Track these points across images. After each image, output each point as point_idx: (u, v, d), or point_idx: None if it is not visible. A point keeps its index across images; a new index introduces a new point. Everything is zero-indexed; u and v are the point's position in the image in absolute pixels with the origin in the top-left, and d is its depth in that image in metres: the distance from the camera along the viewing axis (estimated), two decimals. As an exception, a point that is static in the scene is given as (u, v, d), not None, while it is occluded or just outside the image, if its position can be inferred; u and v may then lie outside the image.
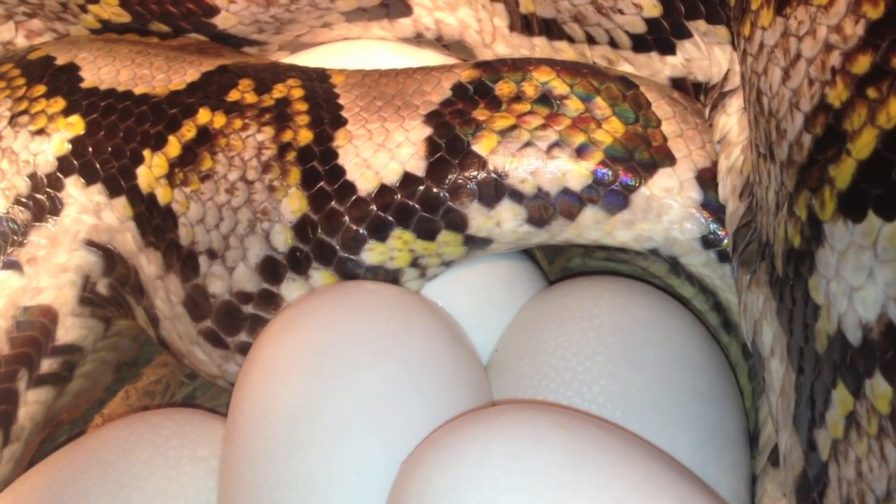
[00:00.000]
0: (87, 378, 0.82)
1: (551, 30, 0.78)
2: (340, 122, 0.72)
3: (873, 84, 0.48)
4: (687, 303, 0.75)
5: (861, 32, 0.49)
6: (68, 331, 0.78)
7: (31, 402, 0.77)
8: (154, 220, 0.74)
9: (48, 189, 0.76)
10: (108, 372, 0.85)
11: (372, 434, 0.62)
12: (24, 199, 0.76)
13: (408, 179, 0.70)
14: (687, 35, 0.71)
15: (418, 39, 0.86)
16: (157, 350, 0.90)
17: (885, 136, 0.47)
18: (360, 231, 0.70)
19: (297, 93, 0.74)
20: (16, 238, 0.76)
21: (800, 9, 0.52)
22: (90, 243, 0.76)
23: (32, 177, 0.75)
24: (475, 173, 0.69)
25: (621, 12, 0.72)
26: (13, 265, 0.76)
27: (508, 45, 0.82)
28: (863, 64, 0.48)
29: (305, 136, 0.72)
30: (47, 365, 0.78)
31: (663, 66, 0.74)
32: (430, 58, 0.86)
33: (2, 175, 0.75)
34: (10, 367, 0.76)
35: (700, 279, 0.72)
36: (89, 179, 0.75)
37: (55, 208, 0.76)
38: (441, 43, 0.85)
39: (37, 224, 0.76)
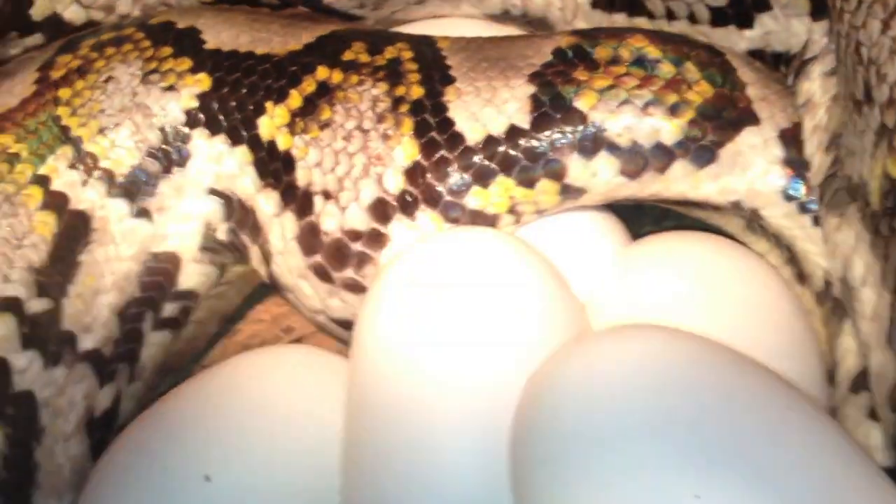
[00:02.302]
0: (198, 326, 0.87)
1: (633, 6, 0.84)
2: (449, 80, 0.78)
3: (971, 26, 0.55)
4: (762, 258, 0.81)
5: (961, -18, 0.56)
6: (189, 277, 0.83)
7: (153, 344, 0.83)
8: (273, 164, 0.79)
9: (176, 141, 0.81)
10: (213, 322, 0.90)
11: (493, 353, 0.68)
12: (154, 151, 0.81)
13: (513, 131, 0.76)
14: (766, 7, 0.78)
15: (504, 16, 0.92)
16: (251, 307, 0.95)
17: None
18: (466, 177, 0.76)
19: (408, 54, 0.80)
20: (147, 188, 0.81)
21: (899, -33, 0.59)
22: (212, 192, 0.82)
23: (162, 130, 0.81)
24: (576, 127, 0.76)
25: (704, -14, 0.79)
26: (145, 213, 0.81)
27: (589, 22, 0.89)
28: (963, 9, 0.55)
29: (417, 91, 0.78)
30: (168, 309, 0.83)
31: (740, 40, 0.81)
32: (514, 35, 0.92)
33: (136, 128, 0.80)
34: (138, 309, 0.81)
35: (777, 232, 0.78)
36: (214, 130, 0.81)
37: (182, 159, 0.81)
38: (525, 19, 0.92)
39: (165, 175, 0.81)
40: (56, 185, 0.78)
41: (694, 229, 0.85)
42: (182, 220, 0.82)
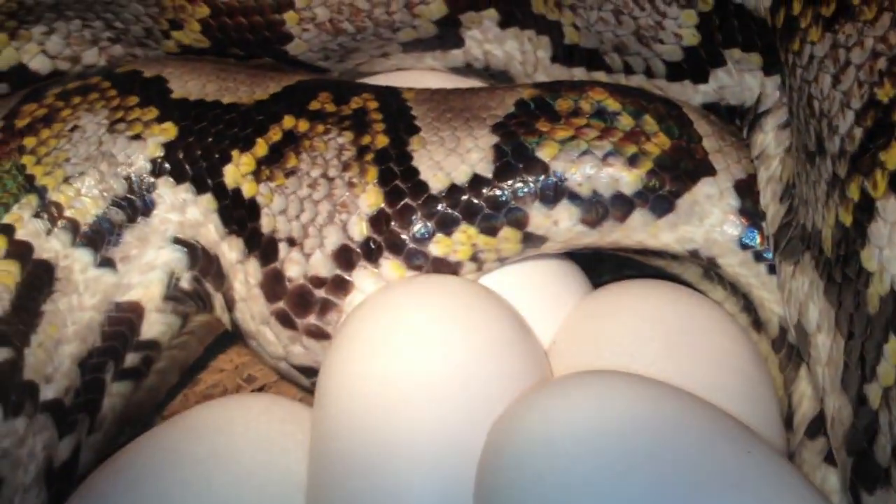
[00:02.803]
0: (159, 375, 0.87)
1: (591, 60, 0.87)
2: (414, 130, 0.80)
3: (918, 82, 0.57)
4: (719, 305, 0.83)
5: (905, 40, 0.58)
6: (151, 326, 0.83)
7: (114, 394, 0.82)
8: (238, 212, 0.80)
9: (141, 190, 0.81)
10: (174, 372, 0.90)
11: (457, 400, 0.68)
12: (119, 200, 0.81)
13: (476, 180, 0.77)
14: (721, 63, 0.81)
15: (467, 69, 0.94)
16: (212, 357, 0.96)
17: (931, 124, 0.56)
18: (429, 225, 0.77)
19: (373, 104, 0.82)
20: (111, 237, 0.81)
21: (847, 24, 0.62)
22: (176, 240, 0.82)
23: (128, 178, 0.81)
24: (538, 176, 0.77)
25: (661, 42, 0.82)
26: (109, 262, 0.81)
27: (549, 76, 0.91)
28: (908, 66, 0.58)
29: (382, 140, 0.79)
30: (130, 359, 0.83)
31: (695, 94, 0.84)
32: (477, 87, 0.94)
33: (101, 177, 0.81)
34: (100, 359, 0.81)
35: (734, 280, 0.80)
36: (179, 179, 0.81)
37: (146, 208, 0.82)
38: (487, 72, 0.94)
39: (130, 224, 0.81)
40: (20, 235, 0.78)
41: (653, 278, 0.87)
42: (146, 270, 0.82)
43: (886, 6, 0.60)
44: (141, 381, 0.85)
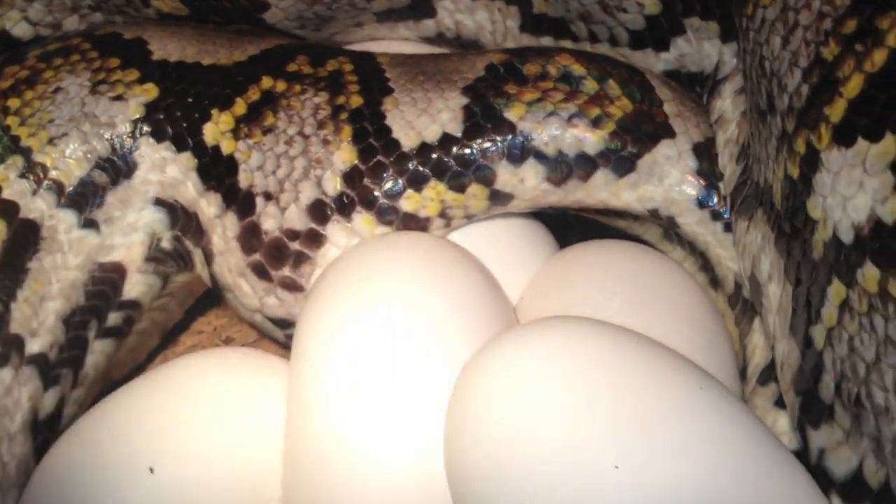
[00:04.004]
0: (140, 336, 0.90)
1: (558, 29, 0.90)
2: (388, 91, 0.83)
3: (859, 41, 0.61)
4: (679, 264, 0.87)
5: (848, 2, 0.62)
6: (133, 287, 0.86)
7: (97, 352, 0.85)
8: (216, 168, 0.83)
9: (123, 151, 0.84)
10: (155, 334, 0.93)
11: (427, 349, 0.72)
12: (102, 162, 0.84)
13: (446, 139, 0.81)
14: (681, 31, 0.84)
15: (439, 38, 0.97)
16: (192, 319, 0.99)
17: (871, 78, 0.60)
18: (400, 182, 0.81)
19: (348, 67, 0.85)
20: (95, 199, 0.84)
21: (797, -12, 0.66)
22: (157, 201, 0.85)
23: (110, 139, 0.84)
24: (505, 136, 0.81)
25: (625, 10, 0.85)
26: (92, 224, 0.83)
27: (518, 44, 0.94)
28: (851, 25, 0.62)
29: (357, 101, 0.82)
30: (113, 318, 0.86)
31: (657, 61, 0.87)
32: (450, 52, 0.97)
33: (84, 138, 0.83)
34: (83, 317, 0.84)
35: (692, 239, 0.84)
36: (159, 138, 0.84)
37: (128, 170, 0.84)
38: (458, 42, 0.97)
39: (113, 186, 0.84)
40: (6, 194, 0.80)
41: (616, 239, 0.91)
42: (128, 231, 0.85)
43: (832, -30, 0.64)
44: (122, 339, 0.87)
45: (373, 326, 0.73)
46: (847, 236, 0.60)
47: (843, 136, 0.61)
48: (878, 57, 0.60)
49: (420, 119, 0.82)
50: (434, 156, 0.81)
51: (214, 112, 0.83)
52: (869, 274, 0.58)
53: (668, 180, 0.82)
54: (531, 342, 0.66)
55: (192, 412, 0.75)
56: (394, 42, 0.98)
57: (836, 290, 0.61)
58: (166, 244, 0.86)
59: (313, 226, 0.81)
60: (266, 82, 0.84)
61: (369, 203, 0.81)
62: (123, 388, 0.78)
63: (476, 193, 0.81)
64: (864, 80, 0.60)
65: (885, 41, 0.60)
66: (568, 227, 0.93)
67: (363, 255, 0.78)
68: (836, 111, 0.61)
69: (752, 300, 0.75)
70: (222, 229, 0.83)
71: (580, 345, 0.65)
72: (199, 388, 0.76)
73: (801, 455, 0.66)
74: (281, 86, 0.84)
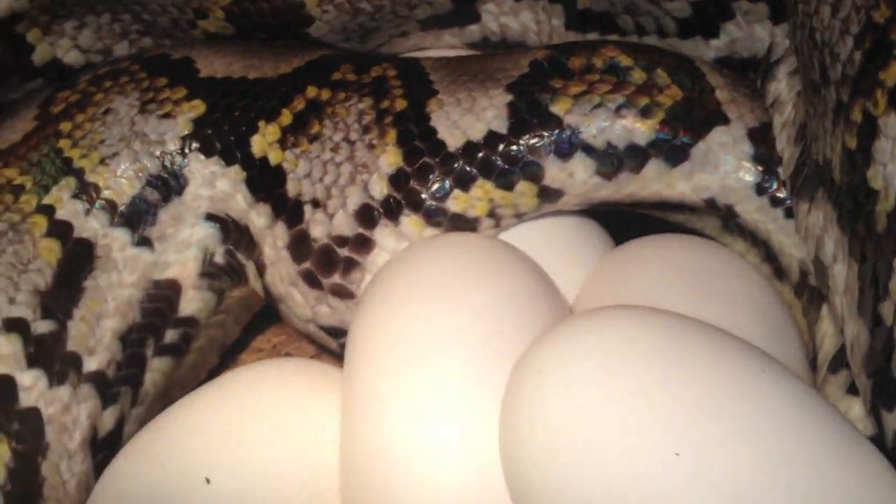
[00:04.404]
0: (199, 354, 0.90)
1: (604, 24, 0.89)
2: (432, 93, 0.82)
3: (913, -1, 0.58)
4: (741, 257, 0.84)
5: (898, -39, 0.60)
6: (189, 303, 0.86)
7: (155, 370, 0.85)
8: (265, 179, 0.83)
9: (173, 167, 0.85)
10: (213, 351, 0.93)
11: (483, 347, 0.70)
12: (153, 180, 0.84)
13: (491, 136, 0.80)
14: (730, 16, 0.82)
15: (484, 42, 0.96)
16: (251, 338, 0.98)
17: (926, 37, 0.57)
18: (447, 182, 0.79)
19: (392, 72, 0.85)
20: (148, 217, 0.84)
21: (845, -47, 0.63)
22: (209, 216, 0.85)
23: (160, 157, 0.85)
24: (551, 130, 0.79)
25: (671, -1, 0.83)
26: (146, 241, 0.84)
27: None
28: (901, -14, 0.59)
29: (401, 104, 0.82)
30: (170, 335, 0.86)
31: (708, 49, 0.85)
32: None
33: (136, 157, 0.84)
34: (140, 335, 0.84)
35: (753, 228, 0.81)
36: (208, 153, 0.84)
37: (179, 187, 0.85)
38: (504, 45, 0.96)
39: (164, 203, 0.85)
40: (60, 215, 0.81)
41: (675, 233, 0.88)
42: (181, 248, 0.85)
43: (879, -68, 0.61)
44: (181, 357, 0.88)
45: (424, 331, 0.72)
46: (911, 204, 0.57)
47: (901, 99, 0.58)
48: (933, 14, 0.57)
49: (465, 118, 0.81)
50: (480, 154, 0.80)
51: (261, 124, 0.84)
52: (936, 245, 0.55)
53: (723, 168, 0.79)
54: (583, 332, 0.64)
55: (247, 422, 0.75)
56: (440, 51, 0.98)
57: (903, 261, 0.58)
58: (219, 259, 0.87)
59: (361, 231, 0.80)
60: (311, 91, 0.84)
61: (417, 205, 0.80)
62: (180, 401, 0.78)
63: (525, 191, 0.80)
64: (920, 39, 0.57)
65: (940, -3, 0.57)
66: (625, 225, 0.91)
67: (412, 259, 0.77)
68: (891, 75, 0.59)
69: (819, 284, 0.72)
70: (273, 239, 0.83)
71: (633, 332, 0.63)
72: (254, 398, 0.75)
73: (877, 441, 0.63)
74: (326, 94, 0.84)
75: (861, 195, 0.62)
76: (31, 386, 0.75)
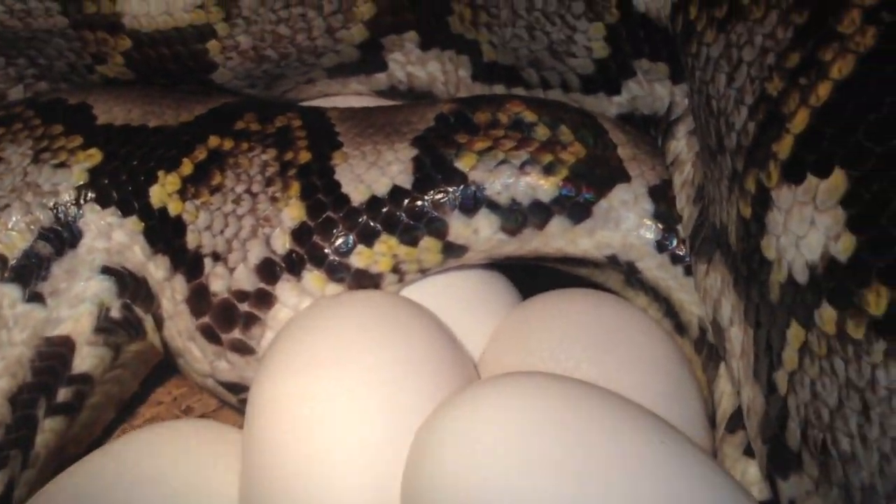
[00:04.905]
0: (94, 411, 0.86)
1: (510, 77, 0.89)
2: (337, 145, 0.81)
3: (803, 74, 0.59)
4: (643, 311, 0.85)
5: (791, 35, 0.61)
6: (83, 360, 0.83)
7: (47, 430, 0.81)
8: (164, 230, 0.81)
9: (67, 219, 0.82)
10: (110, 407, 0.89)
11: (383, 413, 0.69)
12: (46, 232, 0.81)
13: (396, 192, 0.79)
14: (631, 74, 0.83)
15: (391, 91, 0.96)
16: (150, 390, 0.95)
17: (816, 113, 0.58)
18: (351, 237, 0.79)
19: (297, 122, 0.84)
20: (40, 271, 0.81)
21: (739, 24, 0.65)
22: (104, 269, 0.83)
23: (54, 208, 0.81)
24: (457, 186, 0.79)
25: (574, 55, 0.84)
26: (37, 297, 0.81)
27: (471, 94, 0.93)
28: (793, 59, 0.60)
29: (305, 156, 0.81)
30: (63, 394, 0.82)
31: (610, 105, 0.86)
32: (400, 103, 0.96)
33: (28, 209, 0.81)
34: (31, 395, 0.80)
35: (654, 284, 0.82)
36: (104, 203, 0.82)
37: (73, 239, 0.82)
38: (411, 94, 0.96)
39: (58, 257, 0.81)
40: None
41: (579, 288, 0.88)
42: (75, 303, 0.82)
43: (773, 4, 0.62)
44: (75, 416, 0.84)
45: (324, 395, 0.71)
46: (802, 276, 0.58)
47: (792, 172, 0.59)
48: (823, 90, 0.58)
49: (369, 172, 0.80)
50: (384, 209, 0.79)
51: (161, 173, 0.82)
52: (826, 315, 0.56)
53: (625, 225, 0.80)
54: (482, 402, 0.64)
55: (144, 489, 0.72)
56: (346, 98, 0.97)
57: (794, 332, 0.59)
58: (116, 313, 0.84)
59: (262, 286, 0.79)
60: (213, 141, 0.83)
61: (319, 260, 0.78)
62: (72, 468, 0.75)
63: (429, 247, 0.79)
64: (810, 114, 0.58)
65: (829, 73, 0.58)
66: (532, 276, 0.91)
67: (313, 319, 0.76)
68: (783, 148, 0.60)
69: (717, 345, 0.73)
70: (171, 292, 0.81)
71: (533, 401, 0.63)
72: (151, 464, 0.73)
73: (772, 506, 0.64)
74: (228, 144, 0.82)
75: (755, 263, 0.63)
76: None
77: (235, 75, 0.92)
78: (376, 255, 0.79)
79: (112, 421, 0.92)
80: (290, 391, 0.71)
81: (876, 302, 0.53)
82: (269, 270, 0.79)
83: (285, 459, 0.70)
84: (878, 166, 0.54)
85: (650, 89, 0.83)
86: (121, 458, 0.74)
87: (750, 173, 0.63)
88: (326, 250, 0.79)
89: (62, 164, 0.82)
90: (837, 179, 0.56)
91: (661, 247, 0.80)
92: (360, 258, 0.79)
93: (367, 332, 0.74)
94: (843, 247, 0.55)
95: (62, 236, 0.82)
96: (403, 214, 0.79)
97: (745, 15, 0.64)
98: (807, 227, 0.58)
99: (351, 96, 0.97)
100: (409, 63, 0.94)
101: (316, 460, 0.69)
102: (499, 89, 0.90)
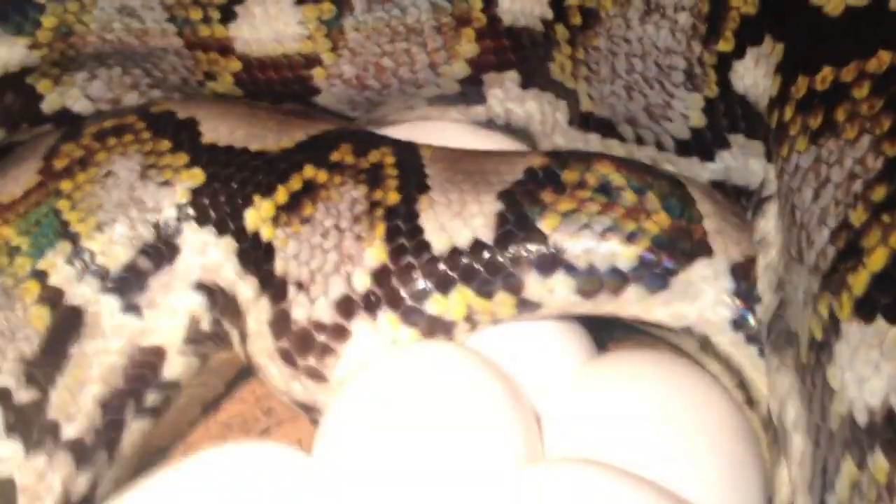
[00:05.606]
0: (180, 412, 0.92)
1: (605, 128, 0.89)
2: (425, 189, 0.83)
3: (888, 211, 0.58)
4: (715, 379, 0.85)
5: (880, 166, 0.59)
6: (173, 368, 0.88)
7: (134, 431, 0.87)
8: (255, 253, 0.84)
9: (167, 236, 0.86)
10: (195, 407, 0.95)
11: (440, 485, 0.72)
12: (147, 248, 0.86)
13: (477, 245, 0.80)
14: (726, 146, 0.82)
15: (489, 124, 0.97)
16: (237, 388, 1.00)
17: (895, 255, 0.57)
18: (428, 284, 0.81)
19: (390, 160, 0.85)
20: (138, 284, 0.85)
21: (831, 140, 0.63)
22: (198, 285, 0.87)
23: (156, 225, 0.86)
24: (536, 246, 0.80)
25: (670, 120, 0.83)
26: (135, 308, 0.85)
27: (565, 138, 0.93)
28: (880, 193, 0.59)
29: (394, 197, 0.83)
30: (151, 399, 0.87)
31: (703, 171, 0.85)
32: (497, 140, 0.97)
33: (132, 224, 0.85)
34: (121, 400, 0.85)
35: (727, 358, 0.82)
36: (202, 222, 0.86)
37: (171, 255, 0.86)
38: (509, 129, 0.96)
39: (156, 271, 0.86)
40: (53, 281, 0.83)
41: (660, 341, 0.89)
42: (169, 315, 0.87)
43: (867, 128, 0.60)
44: (160, 417, 0.89)
45: (388, 450, 0.74)
46: (861, 417, 0.57)
47: (864, 310, 0.58)
48: (905, 232, 0.57)
49: (453, 222, 0.81)
50: (463, 261, 0.80)
51: (257, 198, 0.85)
52: (878, 464, 0.55)
53: (702, 300, 0.79)
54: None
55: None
56: (445, 123, 0.98)
57: (848, 468, 0.59)
58: (206, 326, 0.88)
59: (340, 320, 0.82)
60: (308, 171, 0.85)
61: (395, 303, 0.81)
62: (135, 489, 0.78)
63: (504, 301, 0.81)
64: (889, 254, 0.57)
65: (914, 216, 0.57)
66: (609, 328, 0.91)
67: (388, 368, 0.79)
68: (858, 282, 0.59)
69: (781, 442, 0.72)
70: (257, 312, 0.85)
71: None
72: (214, 489, 0.76)
73: None
74: (322, 176, 0.85)
75: (820, 385, 0.63)
76: (8, 457, 0.77)
77: (338, 100, 0.94)
78: (451, 304, 0.81)
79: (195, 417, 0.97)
80: (353, 444, 0.75)
81: (926, 465, 0.53)
82: (347, 306, 0.82)
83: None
84: (950, 326, 0.53)
85: (744, 163, 0.81)
86: (186, 480, 0.77)
87: (824, 297, 0.62)
88: (403, 294, 0.81)
89: (166, 183, 0.86)
90: (907, 330, 0.55)
91: (737, 325, 0.79)
92: (434, 305, 0.81)
93: (435, 390, 0.76)
94: (903, 401, 0.54)
95: (161, 252, 0.86)
96: (481, 268, 0.80)
97: (837, 132, 0.62)
98: (871, 371, 0.57)
99: (449, 123, 0.98)
100: (508, 100, 0.94)
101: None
102: (594, 138, 0.90)
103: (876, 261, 0.58)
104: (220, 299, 0.88)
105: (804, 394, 0.66)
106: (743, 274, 0.79)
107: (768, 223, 0.79)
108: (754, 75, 0.76)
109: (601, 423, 0.79)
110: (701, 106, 0.81)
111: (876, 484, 0.56)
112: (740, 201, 0.84)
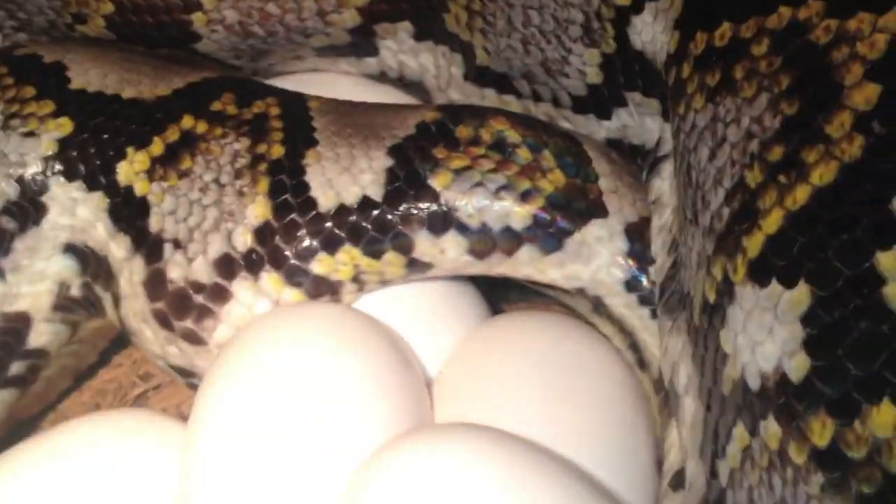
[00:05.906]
0: (48, 382, 0.86)
1: (501, 83, 0.86)
2: (312, 143, 0.79)
3: (784, 171, 0.57)
4: (608, 341, 0.84)
5: (777, 125, 0.58)
6: (39, 336, 0.82)
7: None
8: (128, 210, 0.79)
9: (33, 192, 0.79)
10: (66, 377, 0.89)
11: (323, 449, 0.69)
12: (11, 206, 0.79)
13: (365, 203, 0.77)
14: (623, 104, 0.80)
15: (381, 77, 0.93)
16: (113, 352, 0.94)
17: (791, 217, 0.56)
18: (314, 243, 0.77)
19: (275, 111, 0.81)
20: (1, 246, 0.79)
21: (728, 98, 0.61)
22: (67, 247, 0.81)
23: (20, 180, 0.79)
24: (427, 204, 0.77)
25: (567, 76, 0.81)
26: None
27: (461, 93, 0.90)
28: (777, 153, 0.57)
29: (278, 151, 0.78)
30: (15, 367, 0.81)
31: (600, 129, 0.83)
32: (390, 94, 0.93)
33: None
34: None
35: (620, 320, 0.81)
36: (71, 177, 0.80)
37: (38, 215, 0.80)
38: (402, 82, 0.93)
39: (21, 232, 0.79)
40: None
41: (553, 303, 0.87)
42: (35, 280, 0.81)
43: (766, 86, 0.59)
44: (26, 387, 0.83)
45: (271, 413, 0.70)
46: (754, 382, 0.56)
47: (759, 273, 0.57)
48: (801, 194, 0.55)
49: (341, 178, 0.77)
50: (351, 219, 0.77)
51: (130, 150, 0.79)
52: (771, 430, 0.55)
53: (596, 261, 0.78)
54: (410, 461, 0.63)
55: (77, 484, 0.72)
56: (335, 76, 0.94)
57: (740, 433, 0.58)
58: (75, 291, 0.82)
59: (219, 280, 0.77)
60: (187, 122, 0.80)
61: (279, 263, 0.77)
62: (10, 452, 0.74)
63: (392, 261, 0.78)
64: (784, 216, 0.56)
65: (810, 177, 0.55)
66: (504, 288, 0.89)
67: (270, 329, 0.75)
68: (753, 244, 0.57)
69: (672, 405, 0.72)
70: (129, 273, 0.80)
71: (474, 460, 0.62)
72: (87, 458, 0.72)
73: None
74: (202, 127, 0.80)
75: (713, 348, 0.62)
76: None
77: (220, 47, 0.88)
78: (337, 264, 0.77)
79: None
80: (232, 411, 0.70)
81: (820, 432, 0.52)
82: (227, 266, 0.77)
83: (219, 474, 0.70)
84: (844, 290, 0.52)
85: (640, 122, 0.80)
86: (57, 448, 0.73)
87: (718, 259, 0.60)
88: (287, 253, 0.77)
89: (31, 133, 0.80)
90: (801, 294, 0.54)
91: (630, 286, 0.78)
92: (320, 265, 0.77)
93: (319, 352, 0.72)
94: (797, 366, 0.53)
95: (26, 210, 0.80)
96: (370, 226, 0.77)
97: (735, 90, 0.61)
98: (765, 335, 0.56)
99: (340, 75, 0.94)
100: (402, 52, 0.91)
101: (250, 478, 0.69)
102: (490, 93, 0.87)
103: (771, 223, 0.56)
104: (91, 262, 0.82)
105: (696, 357, 0.65)
106: (637, 235, 0.78)
107: (664, 183, 0.78)
108: (652, 30, 0.74)
109: (491, 387, 0.77)
110: (598, 62, 0.78)
111: (768, 450, 0.55)
112: (636, 160, 0.82)
